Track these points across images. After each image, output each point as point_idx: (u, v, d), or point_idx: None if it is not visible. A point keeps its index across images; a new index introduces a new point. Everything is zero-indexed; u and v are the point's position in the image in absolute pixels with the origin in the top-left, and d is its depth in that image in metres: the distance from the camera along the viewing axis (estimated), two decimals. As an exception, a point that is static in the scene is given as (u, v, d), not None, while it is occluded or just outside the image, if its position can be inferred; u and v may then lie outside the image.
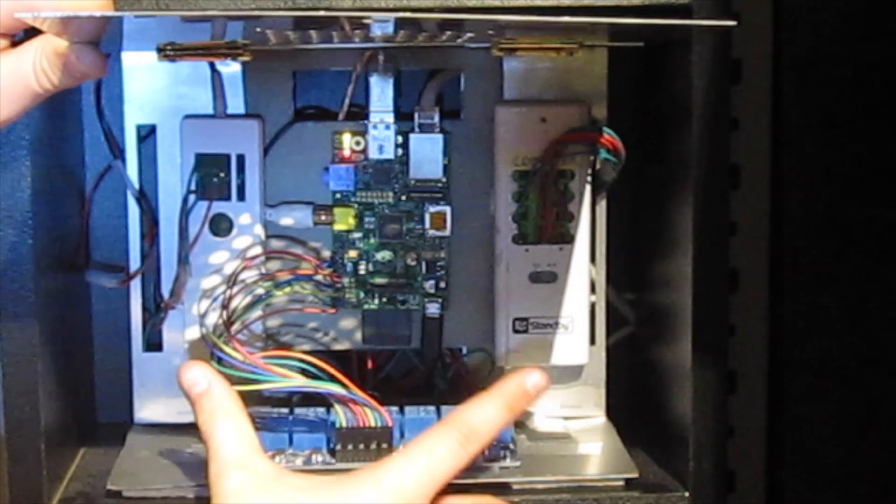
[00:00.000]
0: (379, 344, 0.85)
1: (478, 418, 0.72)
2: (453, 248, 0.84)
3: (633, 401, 0.88)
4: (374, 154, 0.82)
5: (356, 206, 0.83)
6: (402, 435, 0.78)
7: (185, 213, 0.82)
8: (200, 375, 0.73)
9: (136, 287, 0.85)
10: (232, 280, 0.81)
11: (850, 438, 0.88)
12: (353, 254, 0.83)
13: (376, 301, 0.84)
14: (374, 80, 0.82)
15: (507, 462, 0.78)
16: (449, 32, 0.73)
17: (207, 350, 0.79)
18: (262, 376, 0.76)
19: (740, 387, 0.96)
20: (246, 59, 0.73)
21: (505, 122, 0.82)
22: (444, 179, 0.83)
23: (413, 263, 0.84)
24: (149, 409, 0.85)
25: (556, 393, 0.86)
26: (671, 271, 0.80)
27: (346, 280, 0.83)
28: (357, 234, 0.83)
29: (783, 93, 0.93)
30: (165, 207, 0.83)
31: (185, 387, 0.73)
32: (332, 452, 0.77)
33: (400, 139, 0.82)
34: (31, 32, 0.66)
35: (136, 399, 0.85)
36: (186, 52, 0.73)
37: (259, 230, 0.82)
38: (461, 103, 0.84)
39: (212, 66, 0.82)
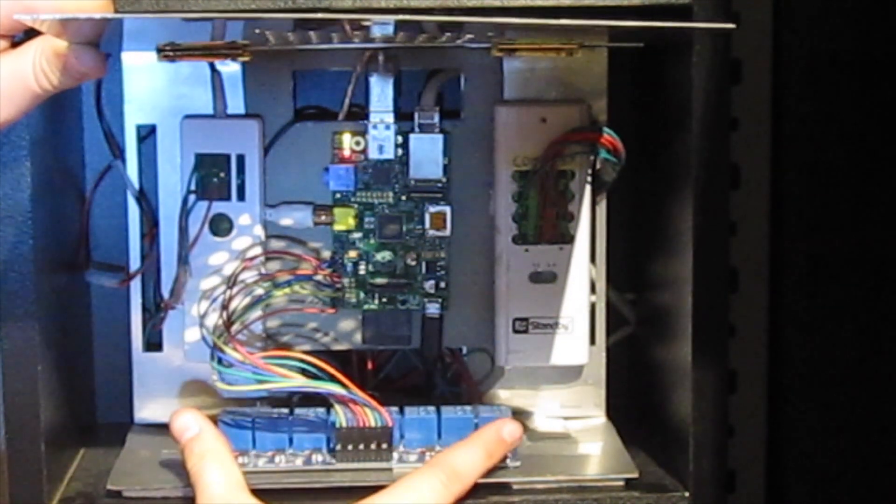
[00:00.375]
0: (379, 344, 0.85)
1: (461, 461, 0.74)
2: (453, 248, 0.84)
3: (633, 401, 0.88)
4: (373, 154, 0.82)
5: (356, 206, 0.83)
6: (402, 435, 0.78)
7: (185, 213, 0.82)
8: (191, 421, 0.75)
9: (136, 287, 0.85)
10: (232, 280, 0.81)
11: (850, 438, 0.88)
12: (353, 254, 0.83)
13: (376, 301, 0.84)
14: (374, 80, 0.82)
15: (507, 462, 0.78)
16: (449, 34, 0.73)
17: (207, 350, 0.79)
18: (261, 376, 0.76)
19: (740, 387, 0.96)
20: (246, 59, 0.73)
21: (505, 122, 0.82)
22: (444, 179, 0.83)
23: (413, 263, 0.84)
24: (149, 409, 0.85)
25: (556, 393, 0.86)
26: (671, 271, 0.80)
27: (346, 280, 0.83)
28: (357, 235, 0.83)
29: (783, 93, 0.93)
30: (165, 207, 0.83)
31: (177, 432, 0.75)
32: (332, 452, 0.78)
33: (400, 139, 0.82)
34: (31, 33, 0.66)
35: (136, 399, 0.85)
36: (186, 52, 0.73)
37: (259, 230, 0.82)
38: (461, 103, 0.84)
39: (212, 66, 0.82)
